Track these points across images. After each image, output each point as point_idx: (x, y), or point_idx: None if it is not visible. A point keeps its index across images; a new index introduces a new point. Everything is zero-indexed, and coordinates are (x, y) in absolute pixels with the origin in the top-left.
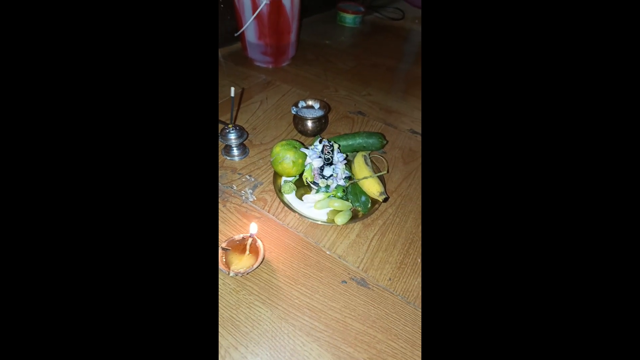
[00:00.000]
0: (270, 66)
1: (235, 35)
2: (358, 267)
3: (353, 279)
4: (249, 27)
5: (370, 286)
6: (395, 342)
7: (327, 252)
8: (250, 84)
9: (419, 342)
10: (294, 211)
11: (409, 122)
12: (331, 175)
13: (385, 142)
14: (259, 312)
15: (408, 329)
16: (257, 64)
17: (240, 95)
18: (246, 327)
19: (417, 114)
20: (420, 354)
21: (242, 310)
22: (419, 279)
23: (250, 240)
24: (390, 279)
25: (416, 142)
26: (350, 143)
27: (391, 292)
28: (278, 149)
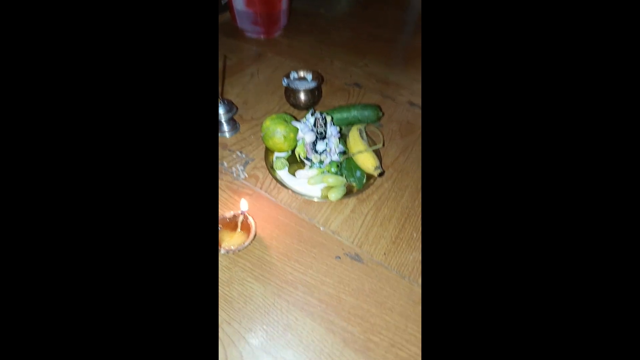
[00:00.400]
0: (262, 37)
1: (223, 2)
2: (352, 243)
3: (347, 255)
4: None
5: (364, 261)
6: (388, 316)
7: (321, 228)
8: (241, 57)
9: (413, 315)
10: (287, 188)
11: (407, 94)
12: (324, 150)
13: (381, 114)
14: (252, 288)
15: (402, 302)
16: (248, 34)
17: (224, 65)
18: (239, 303)
19: (417, 86)
20: (413, 326)
21: (234, 287)
22: (414, 254)
23: (241, 217)
24: (385, 254)
25: (414, 115)
26: (344, 116)
27: (386, 267)
28: (268, 123)
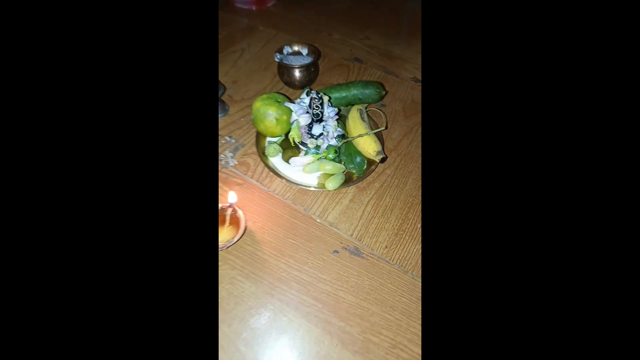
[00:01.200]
0: (253, 7)
1: None
2: (351, 236)
3: (345, 249)
4: None
5: (364, 255)
6: (390, 314)
7: (317, 220)
8: (230, 30)
9: (416, 313)
10: (280, 176)
11: (412, 69)
12: (321, 133)
13: (384, 93)
14: (243, 287)
15: (404, 299)
16: (238, 5)
17: None
18: (229, 304)
19: None
20: (417, 325)
21: (224, 286)
22: (418, 246)
23: (229, 210)
24: (386, 247)
25: (419, 93)
26: (343, 95)
27: (387, 261)
28: (258, 105)
